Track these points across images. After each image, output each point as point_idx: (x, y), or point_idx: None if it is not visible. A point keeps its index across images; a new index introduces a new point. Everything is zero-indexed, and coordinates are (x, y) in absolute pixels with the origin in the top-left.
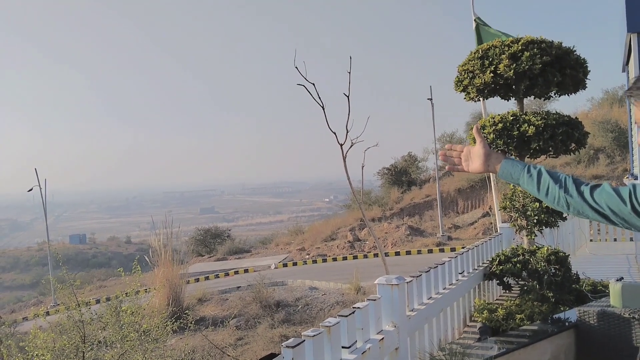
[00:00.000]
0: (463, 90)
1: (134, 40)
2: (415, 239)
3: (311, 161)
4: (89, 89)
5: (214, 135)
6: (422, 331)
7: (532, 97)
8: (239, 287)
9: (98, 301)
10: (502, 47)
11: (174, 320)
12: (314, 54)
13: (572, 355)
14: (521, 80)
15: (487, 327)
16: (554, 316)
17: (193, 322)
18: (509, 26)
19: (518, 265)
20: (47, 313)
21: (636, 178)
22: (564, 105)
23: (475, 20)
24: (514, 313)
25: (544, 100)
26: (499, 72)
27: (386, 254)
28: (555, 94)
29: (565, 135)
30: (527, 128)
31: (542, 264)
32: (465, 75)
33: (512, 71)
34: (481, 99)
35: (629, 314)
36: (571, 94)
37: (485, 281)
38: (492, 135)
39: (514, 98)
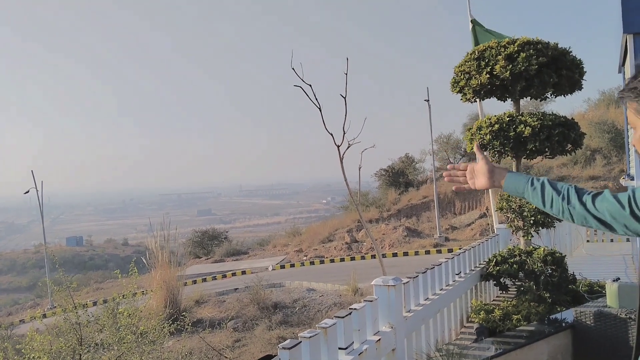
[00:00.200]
0: (459, 92)
1: (137, 40)
2: (412, 240)
3: (309, 163)
4: (94, 91)
5: (211, 137)
6: (419, 332)
7: (529, 98)
8: (236, 288)
9: (95, 303)
10: (498, 48)
11: (171, 322)
12: (312, 55)
13: (569, 356)
14: (517, 81)
15: (484, 328)
16: (550, 317)
17: (190, 324)
18: (505, 27)
19: (515, 266)
20: (44, 315)
21: (632, 179)
22: (560, 106)
23: (471, 21)
24: (511, 314)
25: (541, 101)
26: (495, 73)
27: (383, 255)
28: (551, 95)
29: (561, 136)
30: (524, 129)
31: (539, 265)
32: (462, 77)
33: (508, 72)
34: (477, 100)
35: (625, 315)
36: (567, 94)
37: (482, 282)
38: (488, 136)
39: (510, 99)
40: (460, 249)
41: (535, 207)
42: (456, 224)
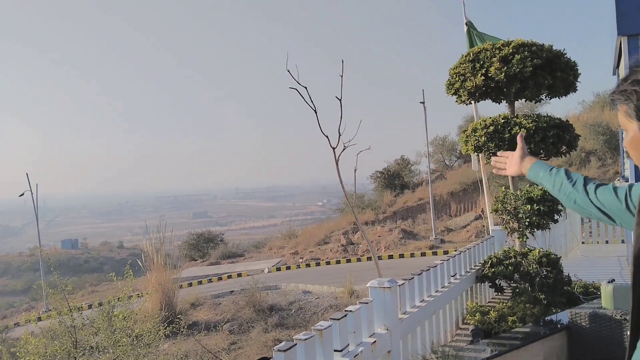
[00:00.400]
0: (455, 94)
1: (131, 43)
2: (408, 242)
3: (305, 165)
4: (89, 93)
5: (207, 139)
6: (414, 334)
7: (524, 100)
8: (232, 291)
9: (90, 306)
10: (493, 50)
11: (166, 325)
12: (309, 57)
13: (564, 357)
14: (512, 83)
15: (480, 330)
16: (546, 318)
17: (186, 327)
18: (499, 29)
19: (510, 267)
20: (39, 318)
21: (627, 180)
22: (555, 108)
23: (466, 24)
24: (506, 315)
25: (535, 103)
26: (490, 75)
27: (379, 257)
28: (546, 97)
29: (556, 137)
30: (519, 131)
31: (534, 266)
32: (457, 79)
33: (503, 74)
34: (472, 101)
35: (620, 316)
36: (562, 96)
37: (478, 284)
38: (483, 138)
39: (505, 101)
40: (455, 250)
41: (531, 209)
42: (452, 226)
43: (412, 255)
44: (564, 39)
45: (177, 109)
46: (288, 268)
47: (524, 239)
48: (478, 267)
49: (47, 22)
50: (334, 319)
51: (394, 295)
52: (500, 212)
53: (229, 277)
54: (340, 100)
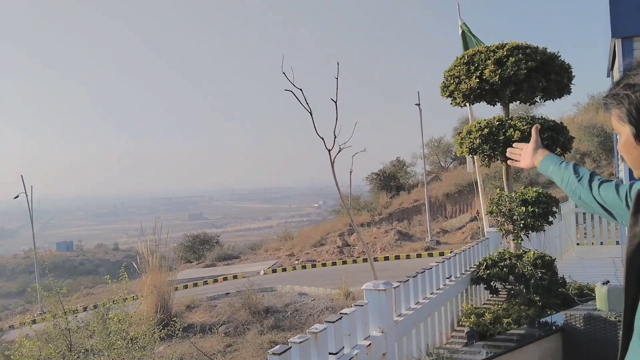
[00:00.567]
0: (449, 96)
1: (125, 45)
2: (404, 244)
3: (301, 167)
4: (83, 95)
5: (203, 141)
6: (409, 336)
7: (518, 102)
8: (227, 293)
9: (85, 309)
10: (488, 52)
11: (161, 328)
12: (304, 59)
13: (559, 359)
14: (506, 85)
15: (475, 332)
16: (540, 320)
17: (181, 329)
18: (493, 31)
19: (505, 269)
20: (34, 321)
21: (621, 182)
22: (550, 110)
23: (461, 26)
24: (501, 317)
25: (530, 105)
26: (484, 77)
27: (375, 259)
28: (540, 99)
29: (550, 140)
30: (513, 133)
31: (529, 268)
32: (452, 81)
33: (497, 76)
34: (467, 104)
35: (614, 317)
36: (556, 99)
37: (473, 285)
38: (478, 141)
39: (499, 103)
40: (451, 252)
41: (525, 211)
42: (447, 228)
43: (407, 256)
44: (559, 41)
45: (172, 110)
46: (284, 270)
47: (519, 241)
48: (473, 269)
49: (42, 24)
50: (329, 322)
51: (389, 297)
52: (495, 214)
53: (225, 279)
54: (335, 102)
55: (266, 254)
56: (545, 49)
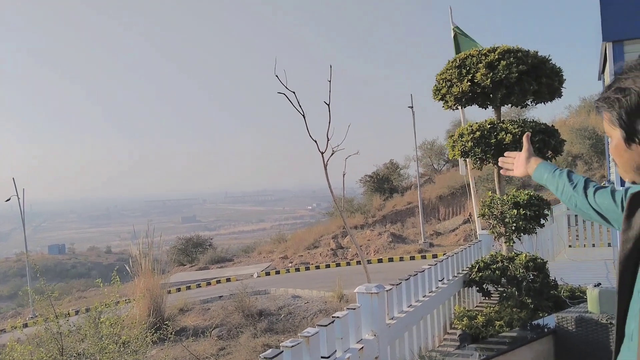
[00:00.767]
0: (441, 99)
1: (123, 46)
2: (397, 246)
3: (294, 169)
4: (84, 98)
5: (196, 143)
6: (402, 339)
7: (510, 105)
8: (221, 296)
9: (77, 312)
10: (479, 56)
11: (154, 331)
12: (297, 61)
13: None
14: (498, 88)
15: (467, 334)
16: (532, 322)
17: (174, 333)
18: (485, 34)
19: (497, 272)
20: (25, 325)
21: (613, 184)
22: (542, 112)
23: (453, 29)
24: (494, 320)
25: (521, 108)
26: (476, 80)
27: (368, 261)
28: (531, 102)
29: (541, 143)
30: (505, 136)
31: (521, 271)
32: (444, 84)
33: (489, 80)
34: (459, 107)
35: (606, 320)
36: (547, 102)
37: (465, 288)
38: (470, 144)
39: (491, 106)
40: (444, 254)
41: (517, 214)
42: (440, 230)
43: (401, 259)
44: (551, 43)
45: (166, 114)
46: (277, 272)
47: (511, 243)
48: (465, 272)
49: (43, 24)
50: (321, 326)
51: (381, 300)
52: (487, 216)
53: (218, 282)
54: (328, 105)
55: (259, 256)
56: (537, 52)
